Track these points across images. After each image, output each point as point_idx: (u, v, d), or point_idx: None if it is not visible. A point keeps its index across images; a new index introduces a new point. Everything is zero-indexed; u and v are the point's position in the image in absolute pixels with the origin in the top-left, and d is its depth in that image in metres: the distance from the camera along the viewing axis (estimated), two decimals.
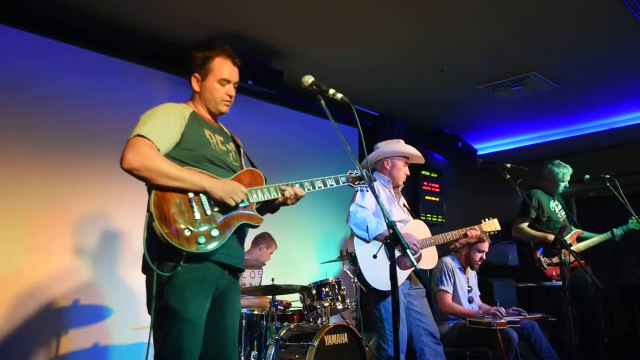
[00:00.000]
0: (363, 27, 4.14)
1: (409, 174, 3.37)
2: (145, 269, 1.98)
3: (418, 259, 3.12)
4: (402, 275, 3.06)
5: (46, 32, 3.81)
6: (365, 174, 2.10)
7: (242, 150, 2.31)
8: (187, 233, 1.85)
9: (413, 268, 3.07)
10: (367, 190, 2.26)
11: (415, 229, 3.20)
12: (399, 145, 3.35)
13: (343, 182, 2.27)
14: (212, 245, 1.90)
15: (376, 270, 2.97)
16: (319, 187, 2.22)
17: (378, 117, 6.15)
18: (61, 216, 3.71)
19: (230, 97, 2.18)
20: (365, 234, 2.99)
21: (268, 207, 2.21)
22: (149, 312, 1.92)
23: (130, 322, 3.90)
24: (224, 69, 2.15)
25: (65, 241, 3.72)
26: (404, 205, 3.38)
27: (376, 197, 1.94)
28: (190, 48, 4.27)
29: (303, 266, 5.24)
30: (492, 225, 3.42)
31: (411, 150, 3.35)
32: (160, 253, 1.87)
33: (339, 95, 2.10)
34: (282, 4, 3.78)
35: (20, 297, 3.46)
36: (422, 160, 3.42)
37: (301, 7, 3.83)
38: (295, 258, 5.20)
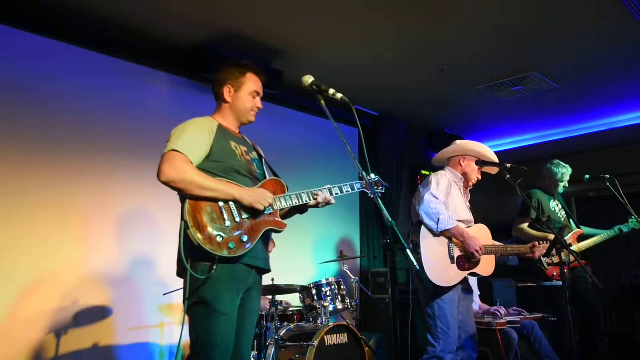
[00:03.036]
0: (363, 27, 4.14)
1: (480, 178, 3.35)
2: (182, 272, 2.13)
3: (476, 264, 3.12)
4: (459, 275, 3.07)
5: (46, 32, 3.80)
6: (366, 179, 2.10)
7: (264, 159, 2.47)
8: (219, 239, 2.02)
9: (470, 270, 3.09)
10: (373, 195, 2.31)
11: (480, 234, 3.19)
12: (480, 147, 3.33)
13: (358, 189, 2.42)
14: (242, 250, 2.08)
15: (437, 265, 2.99)
16: (336, 194, 2.40)
17: (378, 117, 6.14)
18: (61, 216, 3.71)
19: (258, 108, 2.40)
20: (434, 225, 3.00)
21: (299, 210, 2.41)
22: (185, 311, 2.08)
23: (131, 322, 3.91)
24: (256, 82, 2.39)
25: (66, 241, 3.71)
26: (468, 206, 3.35)
27: (378, 203, 1.90)
28: (190, 48, 4.33)
29: (303, 266, 5.24)
30: (546, 248, 3.33)
31: (491, 155, 3.32)
32: (195, 257, 2.04)
33: (339, 95, 2.11)
34: (282, 4, 3.77)
35: (21, 297, 3.46)
36: (494, 171, 3.37)
37: (301, 7, 3.83)
38: (295, 258, 5.19)
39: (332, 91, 2.12)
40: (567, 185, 4.29)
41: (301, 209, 2.40)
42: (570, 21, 4.02)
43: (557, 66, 4.80)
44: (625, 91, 5.39)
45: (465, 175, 3.31)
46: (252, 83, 2.37)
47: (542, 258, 4.02)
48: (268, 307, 3.77)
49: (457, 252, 3.09)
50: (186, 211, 2.02)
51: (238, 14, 3.92)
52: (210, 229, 2.02)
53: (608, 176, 4.10)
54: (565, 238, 3.97)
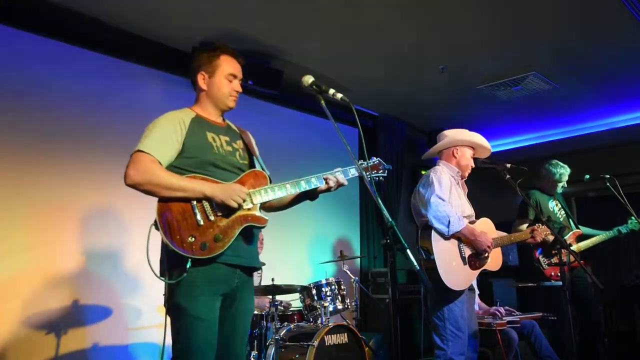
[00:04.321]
0: (363, 27, 4.14)
1: (474, 166, 3.30)
2: (162, 273, 2.04)
3: (486, 261, 3.10)
4: (473, 275, 3.04)
5: (48, 33, 3.80)
6: (366, 178, 2.06)
7: (251, 147, 2.33)
8: (190, 239, 1.91)
9: (481, 267, 3.06)
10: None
11: (485, 228, 3.17)
12: (468, 134, 3.27)
13: (353, 174, 2.26)
14: (216, 250, 1.96)
15: (452, 269, 2.95)
16: (353, 175, 2.25)
17: (378, 117, 6.15)
18: (61, 215, 3.71)
19: (237, 92, 2.24)
20: (445, 228, 2.93)
21: (308, 196, 2.27)
22: (166, 311, 2.01)
23: (130, 322, 3.91)
24: (231, 64, 2.22)
25: (65, 241, 3.71)
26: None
27: (378, 203, 1.87)
28: (190, 48, 4.32)
29: (303, 266, 5.24)
30: (545, 230, 3.34)
31: (482, 140, 3.26)
32: (168, 260, 1.96)
33: (339, 95, 2.10)
34: (282, 4, 3.77)
35: (20, 297, 3.46)
36: (488, 153, 3.33)
37: (301, 7, 3.83)
38: (295, 258, 5.20)
39: (332, 91, 2.11)
40: (565, 185, 4.28)
41: (311, 194, 2.26)
42: (570, 21, 4.02)
43: (557, 66, 4.80)
44: (625, 91, 5.39)
45: (460, 166, 3.25)
46: (227, 65, 2.21)
47: (540, 258, 4.04)
48: (268, 307, 3.77)
49: (467, 252, 3.05)
50: (156, 212, 1.93)
51: (238, 14, 3.92)
52: (181, 230, 1.92)
53: (608, 176, 4.10)
54: (565, 238, 3.97)
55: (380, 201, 1.86)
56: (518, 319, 3.83)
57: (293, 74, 4.53)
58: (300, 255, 5.30)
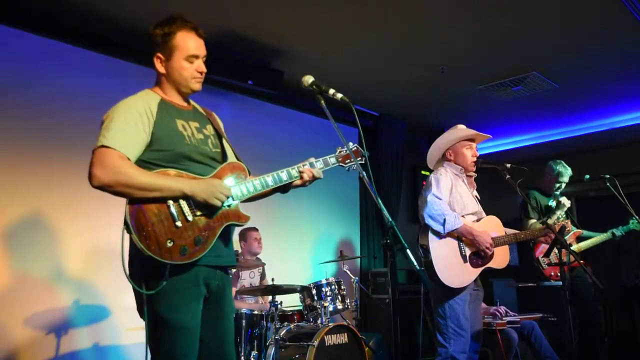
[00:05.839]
0: (363, 27, 4.14)
1: (478, 154, 3.25)
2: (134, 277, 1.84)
3: (490, 258, 3.08)
4: (474, 273, 3.03)
5: (48, 33, 3.80)
6: (365, 179, 2.00)
7: (221, 131, 2.13)
8: (169, 244, 1.72)
9: (484, 265, 3.04)
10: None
11: (490, 226, 3.15)
12: (455, 132, 3.25)
13: (333, 164, 2.18)
14: (197, 254, 1.79)
15: (450, 267, 2.94)
16: (320, 168, 2.13)
17: (378, 117, 6.15)
18: (61, 215, 3.71)
19: (201, 73, 1.99)
20: (440, 227, 2.93)
21: (279, 188, 2.09)
22: (141, 317, 1.84)
23: (129, 322, 3.90)
24: (190, 44, 1.95)
25: (65, 240, 3.71)
26: (476, 197, 3.28)
27: (378, 202, 1.85)
28: None
29: (303, 266, 5.24)
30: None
31: (467, 132, 3.23)
32: (144, 267, 1.76)
33: (339, 95, 2.09)
34: (282, 4, 3.77)
35: (20, 297, 3.46)
36: (486, 136, 3.30)
37: (301, 7, 3.83)
38: (295, 258, 5.20)
39: (332, 91, 2.09)
40: (562, 186, 4.26)
41: (282, 187, 2.08)
42: (570, 21, 4.02)
43: (557, 66, 4.80)
44: (625, 91, 5.39)
45: (458, 164, 3.22)
46: (185, 44, 1.93)
47: (540, 258, 4.04)
48: (268, 307, 3.77)
49: (468, 250, 3.03)
50: (127, 213, 1.72)
51: (237, 14, 3.92)
52: (157, 233, 1.71)
53: (608, 176, 4.09)
54: (565, 238, 3.97)
55: (380, 201, 1.85)
56: (518, 319, 3.83)
57: (293, 74, 4.53)
58: (300, 255, 5.30)
